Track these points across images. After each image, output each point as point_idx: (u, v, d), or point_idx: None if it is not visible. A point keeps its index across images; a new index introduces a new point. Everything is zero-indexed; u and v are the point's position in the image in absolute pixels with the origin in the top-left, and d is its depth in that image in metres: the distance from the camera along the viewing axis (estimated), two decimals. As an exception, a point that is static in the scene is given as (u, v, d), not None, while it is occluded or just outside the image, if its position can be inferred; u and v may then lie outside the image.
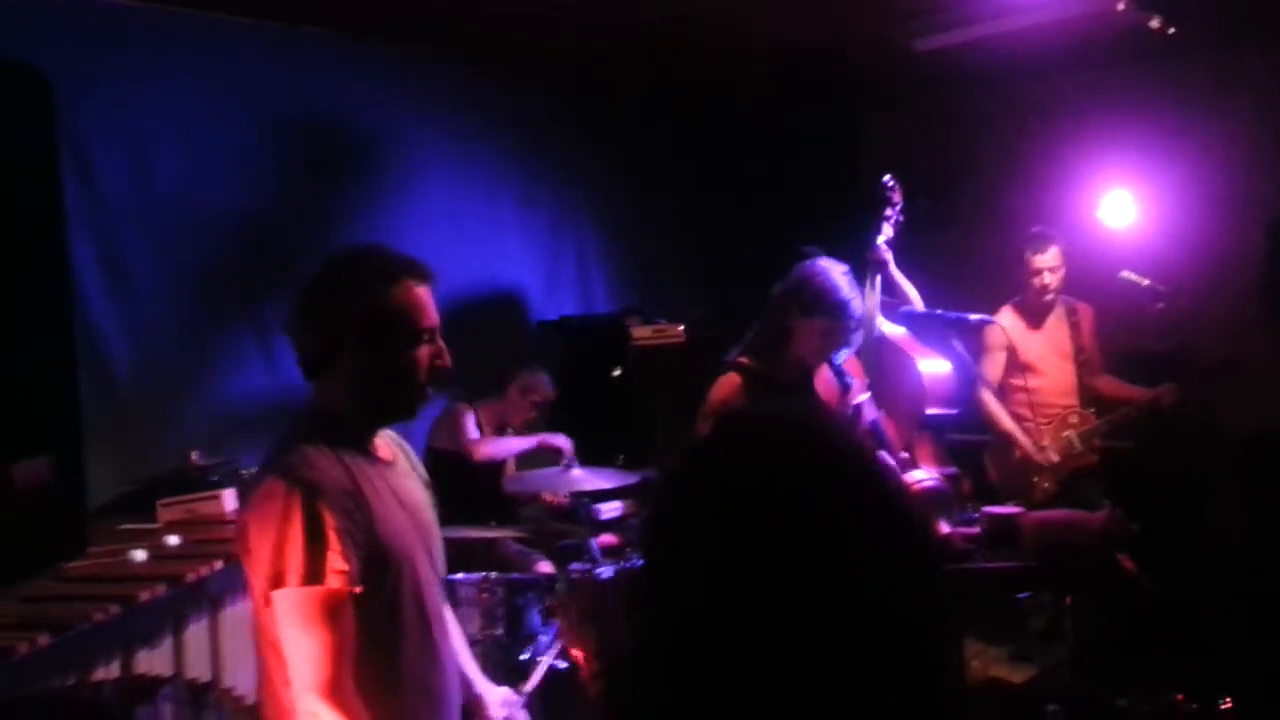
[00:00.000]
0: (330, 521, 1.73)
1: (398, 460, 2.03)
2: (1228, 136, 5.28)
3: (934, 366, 4.51)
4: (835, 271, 3.00)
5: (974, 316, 3.82)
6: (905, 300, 4.66)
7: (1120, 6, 3.91)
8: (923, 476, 2.74)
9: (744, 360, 2.96)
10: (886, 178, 4.60)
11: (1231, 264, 5.19)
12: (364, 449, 1.92)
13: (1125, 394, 4.68)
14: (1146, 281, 4.58)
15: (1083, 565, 2.54)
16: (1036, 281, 4.69)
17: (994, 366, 4.76)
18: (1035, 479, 4.60)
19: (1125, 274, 4.63)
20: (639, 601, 1.00)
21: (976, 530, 2.75)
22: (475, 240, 5.24)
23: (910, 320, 4.22)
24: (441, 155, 5.11)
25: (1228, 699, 3.09)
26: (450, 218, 5.11)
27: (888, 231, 4.57)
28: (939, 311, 4.04)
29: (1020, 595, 2.80)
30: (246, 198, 4.36)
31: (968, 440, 4.54)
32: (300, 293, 1.91)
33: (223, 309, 4.27)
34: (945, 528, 2.60)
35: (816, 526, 0.91)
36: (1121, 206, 5.26)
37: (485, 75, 5.26)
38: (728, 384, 2.90)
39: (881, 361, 4.45)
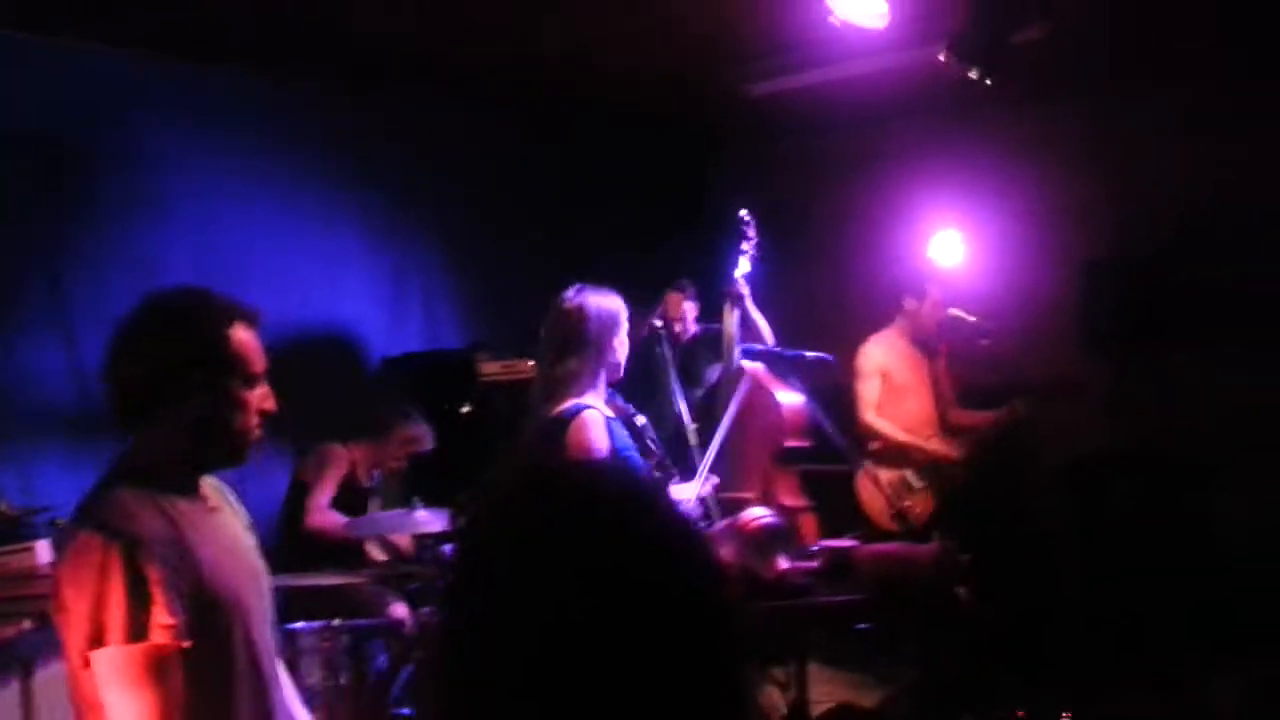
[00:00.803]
0: (153, 574, 1.66)
1: (222, 505, 1.97)
2: (1046, 181, 5.64)
3: (792, 399, 4.62)
4: (595, 292, 3.04)
5: (810, 354, 3.92)
6: (759, 335, 4.78)
7: (941, 57, 4.10)
8: (760, 513, 2.78)
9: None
10: (743, 212, 4.72)
11: (1051, 302, 5.53)
12: (188, 494, 1.85)
13: (978, 421, 4.91)
14: (974, 318, 4.83)
15: (917, 596, 2.63)
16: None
17: (871, 390, 4.91)
18: (907, 503, 4.75)
19: (953, 311, 4.86)
20: (445, 667, 0.96)
21: (815, 564, 2.82)
22: (315, 274, 5.09)
23: (750, 357, 4.33)
24: (278, 187, 4.96)
25: (1067, 713, 3.26)
26: (287, 251, 4.96)
27: (745, 265, 4.68)
28: (778, 349, 4.14)
29: (859, 626, 2.87)
30: (54, 229, 4.15)
31: (824, 471, 4.66)
32: (123, 334, 1.83)
33: (34, 346, 4.03)
34: (783, 563, 2.65)
35: (637, 595, 0.90)
36: (950, 246, 5.53)
37: (325, 106, 5.13)
38: (594, 423, 2.85)
39: (740, 395, 4.52)
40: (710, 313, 5.74)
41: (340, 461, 4.45)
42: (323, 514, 4.28)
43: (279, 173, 4.96)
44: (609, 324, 2.96)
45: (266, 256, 4.86)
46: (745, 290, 4.64)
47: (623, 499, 0.98)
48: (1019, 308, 5.37)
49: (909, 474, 4.84)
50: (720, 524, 2.92)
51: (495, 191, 5.90)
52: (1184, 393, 5.13)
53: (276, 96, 4.95)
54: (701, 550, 1.00)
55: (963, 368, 5.06)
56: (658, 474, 2.91)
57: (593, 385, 2.95)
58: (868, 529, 4.75)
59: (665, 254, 5.89)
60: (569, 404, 2.88)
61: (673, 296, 5.58)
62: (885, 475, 4.77)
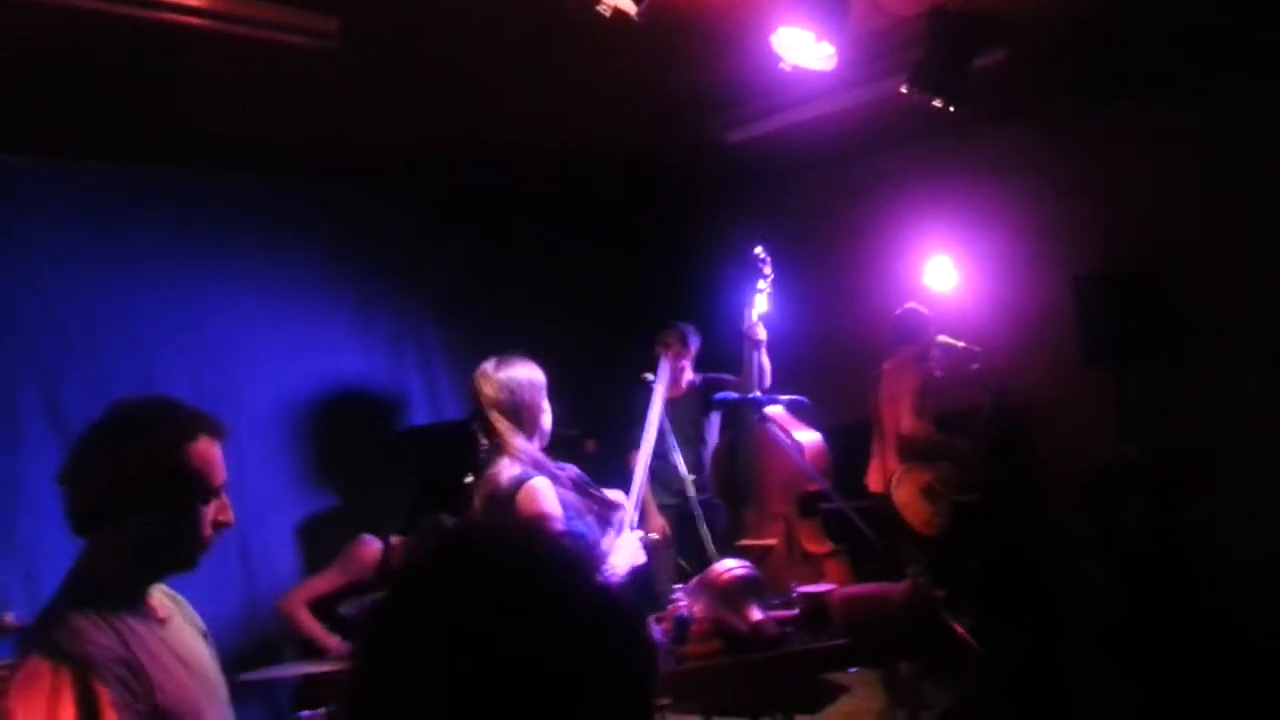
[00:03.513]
0: (105, 695, 1.66)
1: (173, 616, 1.97)
2: (1030, 201, 5.60)
3: (811, 440, 4.59)
4: (510, 363, 3.06)
5: (785, 398, 3.93)
6: (765, 379, 4.76)
7: (904, 89, 4.14)
8: (731, 565, 2.77)
9: (538, 466, 2.95)
10: (758, 249, 4.71)
11: (1046, 317, 5.47)
12: (138, 609, 1.86)
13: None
14: (962, 344, 4.82)
15: (894, 636, 2.60)
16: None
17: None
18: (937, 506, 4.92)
19: (942, 338, 4.86)
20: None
21: (794, 612, 2.79)
22: (313, 356, 5.18)
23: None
24: (266, 279, 5.07)
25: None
26: (280, 336, 5.06)
27: (762, 305, 4.65)
28: (753, 395, 4.13)
29: (850, 670, 2.84)
30: (48, 334, 4.31)
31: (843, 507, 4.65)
32: (85, 444, 1.85)
33: (35, 456, 4.13)
34: (757, 614, 2.63)
35: (548, 663, 0.90)
36: (943, 272, 5.53)
37: (307, 190, 5.23)
38: (542, 490, 2.87)
39: (765, 441, 4.48)
40: (710, 360, 5.76)
41: (369, 548, 4.41)
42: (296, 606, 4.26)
43: (265, 264, 5.08)
44: (530, 393, 2.98)
45: (261, 347, 4.97)
46: (763, 334, 4.62)
47: (545, 564, 0.98)
48: (1014, 326, 5.34)
49: (933, 479, 4.87)
50: (693, 580, 2.91)
51: (492, 260, 5.97)
52: (1185, 404, 5.04)
53: (258, 192, 5.07)
54: (623, 623, 0.99)
55: (956, 390, 5.04)
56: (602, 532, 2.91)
57: (529, 451, 2.96)
58: (905, 542, 4.76)
59: (659, 304, 5.93)
60: (516, 472, 2.89)
61: (671, 344, 5.58)
62: (924, 477, 4.87)
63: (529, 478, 2.85)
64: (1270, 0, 4.21)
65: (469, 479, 5.26)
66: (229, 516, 1.93)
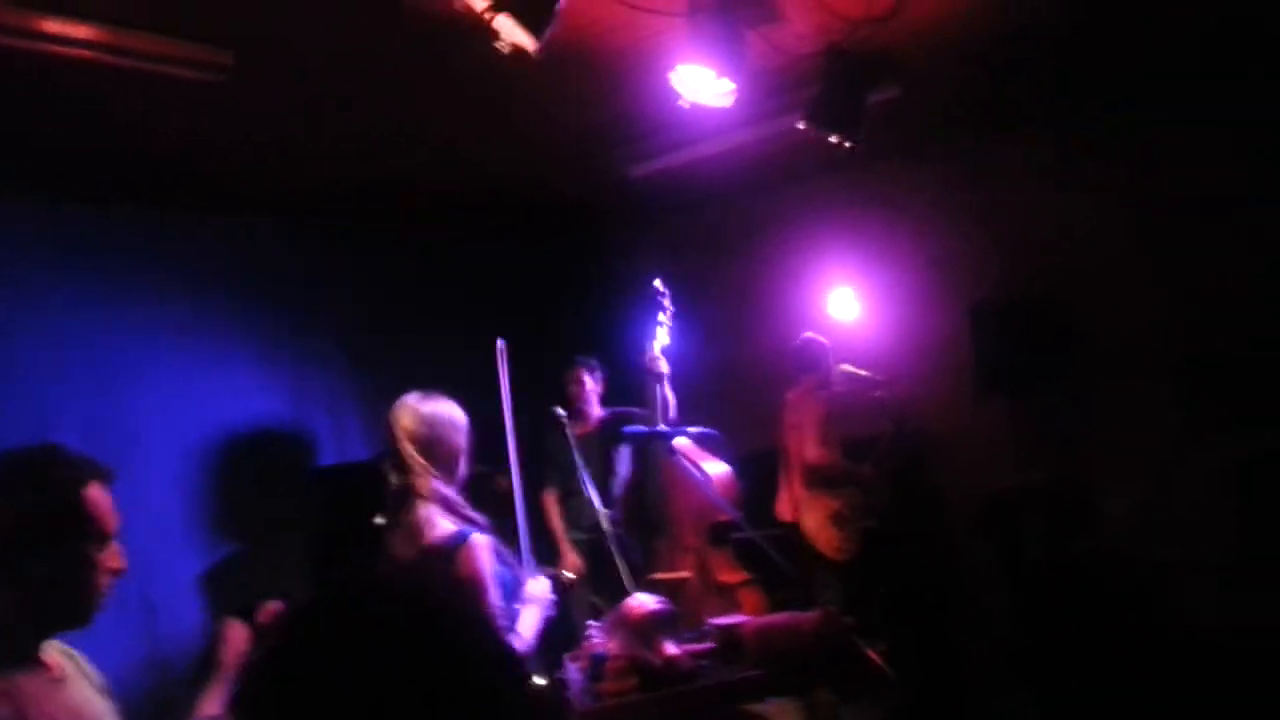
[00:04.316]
0: None
1: (70, 674, 1.89)
2: (925, 232, 5.77)
3: (720, 472, 4.60)
4: (429, 399, 2.93)
5: (694, 430, 3.95)
6: (668, 412, 4.77)
7: (800, 126, 4.23)
8: (644, 600, 2.76)
9: (451, 508, 2.84)
10: (657, 282, 4.71)
11: (944, 347, 5.63)
12: (32, 668, 1.78)
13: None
14: (865, 373, 4.93)
15: (809, 664, 2.62)
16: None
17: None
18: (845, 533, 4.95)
19: (845, 367, 4.97)
20: None
21: (709, 645, 2.80)
22: (215, 397, 5.04)
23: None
24: (165, 313, 4.92)
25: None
26: (181, 377, 4.91)
27: (663, 338, 4.64)
28: (661, 428, 4.14)
29: (767, 700, 2.84)
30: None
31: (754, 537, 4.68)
32: None
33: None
34: (671, 648, 2.62)
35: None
36: (845, 303, 5.65)
37: (205, 226, 5.11)
38: (483, 549, 2.69)
39: (674, 475, 4.47)
40: (613, 394, 5.76)
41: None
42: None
43: (164, 302, 4.93)
44: (449, 431, 2.86)
45: (160, 388, 4.82)
46: (665, 367, 4.60)
47: (438, 615, 0.98)
48: (913, 356, 5.48)
49: (841, 506, 4.94)
50: (607, 616, 2.89)
51: (394, 296, 5.90)
52: (1080, 426, 5.23)
53: (155, 228, 4.93)
54: (522, 670, 0.99)
55: (859, 418, 5.14)
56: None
57: (443, 493, 2.83)
58: (818, 569, 4.80)
59: (564, 339, 5.91)
60: (450, 528, 2.73)
61: (576, 376, 5.54)
62: (832, 504, 4.86)
63: (466, 535, 2.69)
64: (1152, 37, 4.44)
65: (379, 519, 5.19)
66: (121, 563, 1.87)
